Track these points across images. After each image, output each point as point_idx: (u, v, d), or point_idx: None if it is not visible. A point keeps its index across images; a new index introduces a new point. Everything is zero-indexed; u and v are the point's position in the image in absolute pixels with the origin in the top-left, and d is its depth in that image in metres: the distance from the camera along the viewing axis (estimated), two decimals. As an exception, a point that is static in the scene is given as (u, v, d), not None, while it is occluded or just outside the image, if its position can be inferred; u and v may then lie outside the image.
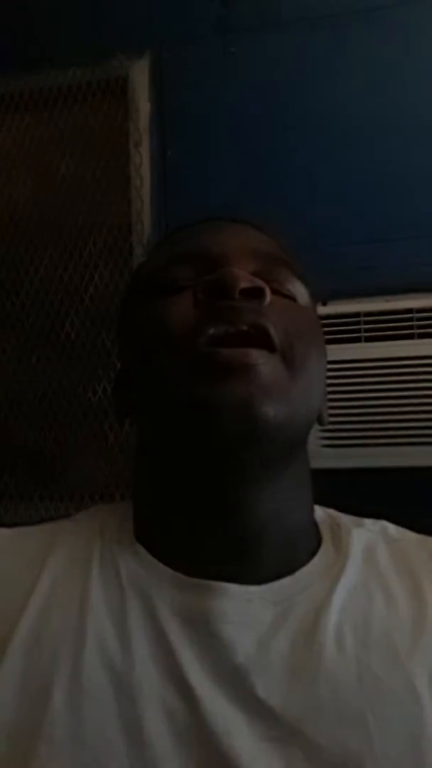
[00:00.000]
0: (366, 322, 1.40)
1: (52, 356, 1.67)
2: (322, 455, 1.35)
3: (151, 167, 1.63)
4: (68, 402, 1.64)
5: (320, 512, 0.56)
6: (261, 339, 0.47)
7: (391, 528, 0.56)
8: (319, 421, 0.55)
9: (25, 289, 1.70)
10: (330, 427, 1.37)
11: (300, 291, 0.53)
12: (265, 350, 0.47)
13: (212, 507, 0.49)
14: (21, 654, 0.45)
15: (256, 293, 0.48)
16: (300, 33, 1.57)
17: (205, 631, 0.45)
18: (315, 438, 1.35)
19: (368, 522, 0.56)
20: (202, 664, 0.44)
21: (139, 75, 1.65)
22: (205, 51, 1.61)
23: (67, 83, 1.69)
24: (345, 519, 0.56)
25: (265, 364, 0.46)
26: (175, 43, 1.63)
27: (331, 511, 0.57)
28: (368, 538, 0.54)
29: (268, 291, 0.49)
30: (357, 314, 1.41)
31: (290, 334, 0.49)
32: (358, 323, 1.41)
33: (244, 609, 0.46)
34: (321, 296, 1.41)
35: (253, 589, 0.47)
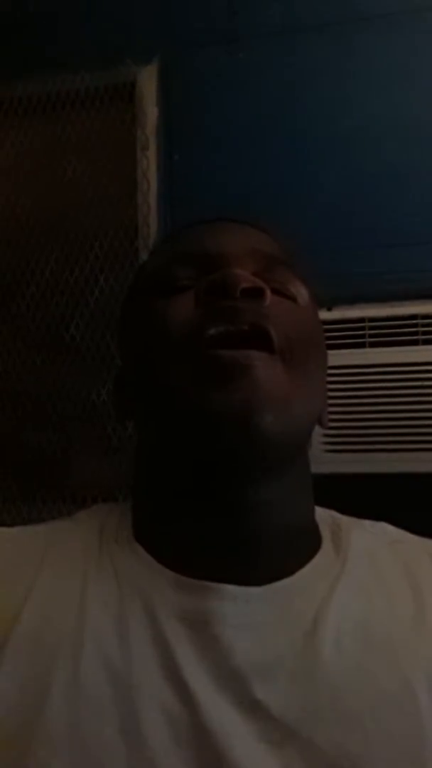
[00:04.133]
0: (370, 328, 1.40)
1: (56, 358, 1.67)
2: (324, 460, 1.34)
3: (158, 171, 1.64)
4: (72, 404, 1.64)
5: (321, 513, 0.56)
6: (261, 339, 0.47)
7: (392, 529, 0.57)
8: (320, 423, 0.55)
9: (30, 292, 1.70)
10: (333, 432, 1.36)
11: (301, 292, 0.53)
12: (265, 352, 0.47)
13: (212, 508, 0.49)
14: (19, 653, 0.45)
15: (257, 293, 0.48)
16: (307, 39, 1.57)
17: (204, 633, 0.45)
18: (318, 443, 1.34)
19: (368, 523, 0.56)
20: (200, 665, 0.44)
21: (147, 80, 1.66)
22: (212, 57, 1.62)
23: (76, 88, 1.70)
24: (345, 520, 0.56)
25: (265, 367, 0.46)
26: (183, 49, 1.64)
27: (332, 512, 0.57)
28: (368, 540, 0.54)
29: (268, 291, 0.49)
30: (361, 320, 1.41)
31: (290, 335, 0.49)
32: (362, 329, 1.40)
33: (243, 610, 0.46)
34: (326, 302, 1.41)
35: (253, 590, 0.47)
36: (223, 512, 0.49)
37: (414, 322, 1.39)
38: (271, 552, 0.49)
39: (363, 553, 0.52)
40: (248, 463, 0.47)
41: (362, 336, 1.40)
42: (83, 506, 0.59)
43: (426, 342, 1.38)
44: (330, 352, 0.56)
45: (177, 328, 0.49)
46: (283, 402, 0.46)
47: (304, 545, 0.52)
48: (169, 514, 0.51)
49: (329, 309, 1.41)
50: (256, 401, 0.45)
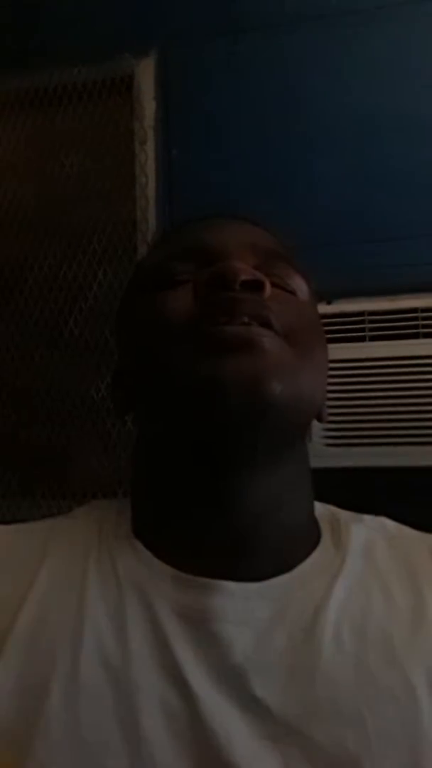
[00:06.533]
0: (371, 321, 1.40)
1: (55, 354, 1.67)
2: (324, 454, 1.34)
3: (157, 165, 1.63)
4: (71, 400, 1.64)
5: (320, 508, 0.56)
6: (263, 326, 0.47)
7: (391, 524, 0.56)
8: (319, 417, 0.54)
9: (29, 287, 1.70)
10: (333, 426, 1.36)
11: (300, 286, 0.53)
12: (269, 330, 0.47)
13: (211, 498, 0.48)
14: (18, 651, 0.45)
15: (257, 286, 0.48)
16: (305, 31, 1.56)
17: (203, 629, 0.45)
18: (318, 437, 1.34)
19: (368, 518, 0.56)
20: (199, 662, 0.44)
21: (145, 73, 1.65)
22: (210, 50, 1.61)
23: (73, 81, 1.69)
24: (344, 515, 0.56)
25: (270, 340, 0.46)
26: (181, 42, 1.63)
27: (331, 507, 0.57)
28: (367, 534, 0.53)
29: (268, 284, 0.48)
30: (362, 313, 1.40)
31: (291, 327, 0.48)
32: (362, 322, 1.40)
33: (242, 607, 0.46)
34: (326, 295, 1.40)
35: (252, 586, 0.47)
36: (221, 507, 0.48)
37: (414, 315, 1.39)
38: (270, 548, 0.49)
39: (362, 549, 0.52)
40: (251, 435, 0.45)
41: (362, 329, 1.40)
42: (83, 502, 0.59)
43: (426, 335, 1.37)
44: (330, 345, 0.56)
45: (176, 320, 0.48)
46: (291, 372, 0.46)
47: (303, 540, 0.51)
48: (168, 509, 0.51)
49: (329, 302, 1.41)
50: (264, 369, 0.44)
